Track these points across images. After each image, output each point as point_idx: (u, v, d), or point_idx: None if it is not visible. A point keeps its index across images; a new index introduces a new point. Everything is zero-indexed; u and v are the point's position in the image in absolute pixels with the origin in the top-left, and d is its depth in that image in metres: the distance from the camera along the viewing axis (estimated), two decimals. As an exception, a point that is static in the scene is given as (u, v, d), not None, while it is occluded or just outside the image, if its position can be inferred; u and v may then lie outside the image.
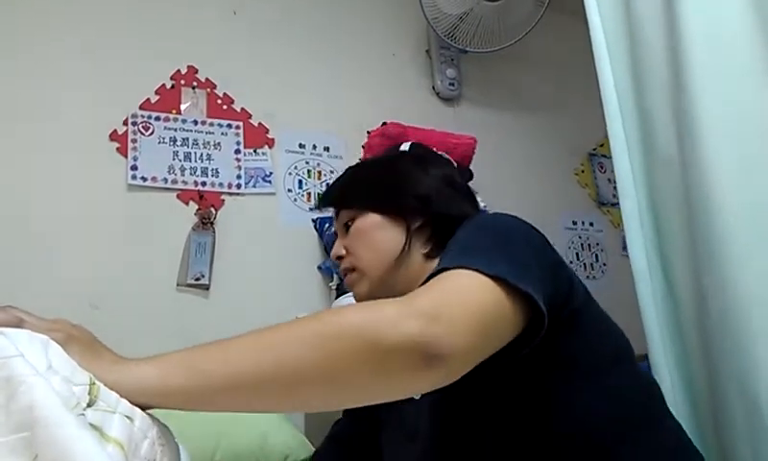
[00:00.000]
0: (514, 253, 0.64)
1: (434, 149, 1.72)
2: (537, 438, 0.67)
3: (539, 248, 0.69)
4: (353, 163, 1.94)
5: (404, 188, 0.90)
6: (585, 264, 2.32)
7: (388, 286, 0.85)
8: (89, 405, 0.45)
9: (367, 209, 0.90)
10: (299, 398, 0.54)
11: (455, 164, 1.72)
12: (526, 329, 0.61)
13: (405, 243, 0.86)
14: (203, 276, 1.68)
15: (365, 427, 0.97)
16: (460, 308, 0.55)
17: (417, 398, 0.82)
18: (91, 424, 0.43)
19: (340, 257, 0.92)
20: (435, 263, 0.85)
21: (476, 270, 0.59)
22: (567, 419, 0.67)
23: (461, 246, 0.67)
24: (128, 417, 0.47)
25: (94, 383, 0.47)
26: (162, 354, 0.54)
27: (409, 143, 1.71)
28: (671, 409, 0.77)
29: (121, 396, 0.49)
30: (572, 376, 0.69)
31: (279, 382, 0.52)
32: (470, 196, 0.97)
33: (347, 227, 0.92)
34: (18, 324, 0.51)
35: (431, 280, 0.60)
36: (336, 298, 1.71)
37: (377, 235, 0.88)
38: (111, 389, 0.48)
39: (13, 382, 0.40)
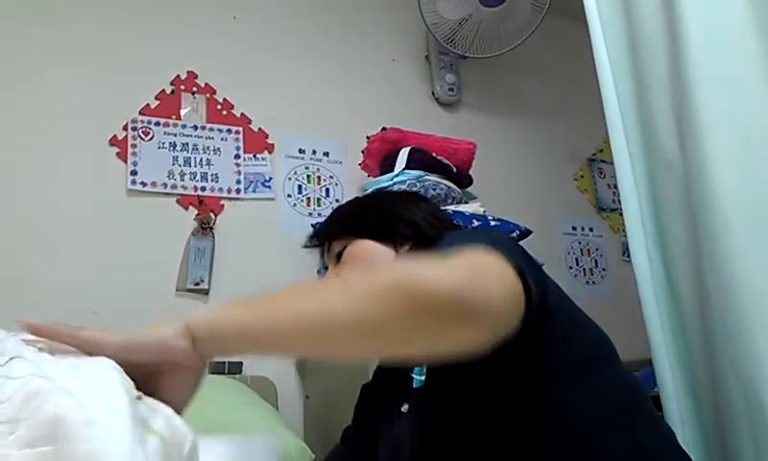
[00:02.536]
0: (512, 252, 0.64)
1: (433, 154, 1.72)
2: (515, 445, 0.67)
3: (522, 251, 0.70)
4: (353, 168, 1.96)
5: (394, 215, 0.93)
6: (584, 269, 2.32)
7: None
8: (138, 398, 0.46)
9: (358, 236, 0.92)
10: (338, 344, 0.55)
11: (455, 169, 1.73)
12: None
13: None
14: (202, 280, 1.68)
15: (372, 433, 0.96)
16: (493, 276, 0.56)
17: (404, 411, 0.82)
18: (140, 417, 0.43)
19: None
20: None
21: (498, 252, 0.59)
22: (545, 422, 0.67)
23: (463, 242, 0.66)
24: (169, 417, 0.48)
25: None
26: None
27: (408, 148, 1.71)
28: (674, 409, 0.77)
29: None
30: (548, 379, 0.69)
31: (320, 331, 0.53)
32: (456, 228, 0.98)
33: (339, 256, 0.94)
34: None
35: (454, 251, 0.59)
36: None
37: (368, 259, 0.89)
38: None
39: (38, 398, 0.41)
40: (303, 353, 0.57)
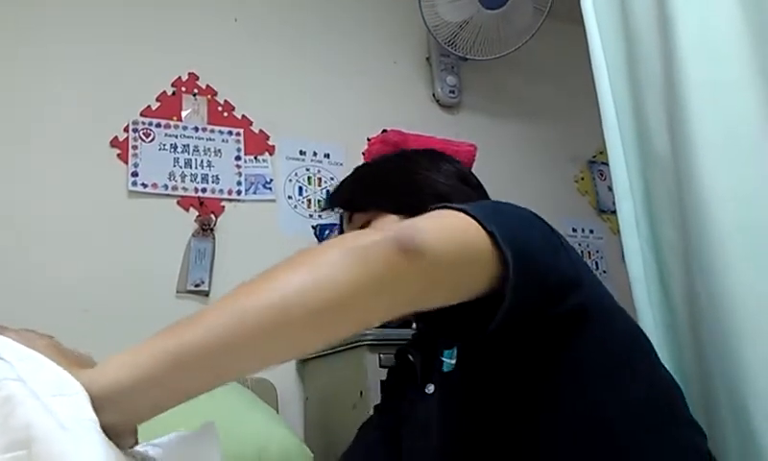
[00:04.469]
0: (513, 222, 0.63)
1: (434, 156, 1.72)
2: (544, 438, 0.66)
3: (542, 232, 0.67)
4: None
5: (422, 188, 0.87)
6: (585, 271, 2.32)
7: None
8: None
9: (385, 211, 0.86)
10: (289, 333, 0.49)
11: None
12: (493, 299, 0.58)
13: None
14: (202, 282, 1.68)
15: (392, 422, 0.95)
16: (436, 224, 0.55)
17: (429, 392, 0.81)
18: None
19: None
20: None
21: (467, 213, 0.58)
22: (576, 419, 0.65)
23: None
24: None
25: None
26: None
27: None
28: None
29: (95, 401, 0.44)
30: (582, 375, 0.67)
31: (263, 325, 0.48)
32: (482, 190, 0.95)
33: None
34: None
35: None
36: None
37: None
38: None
39: (11, 403, 0.40)
40: (261, 359, 0.50)
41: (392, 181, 0.91)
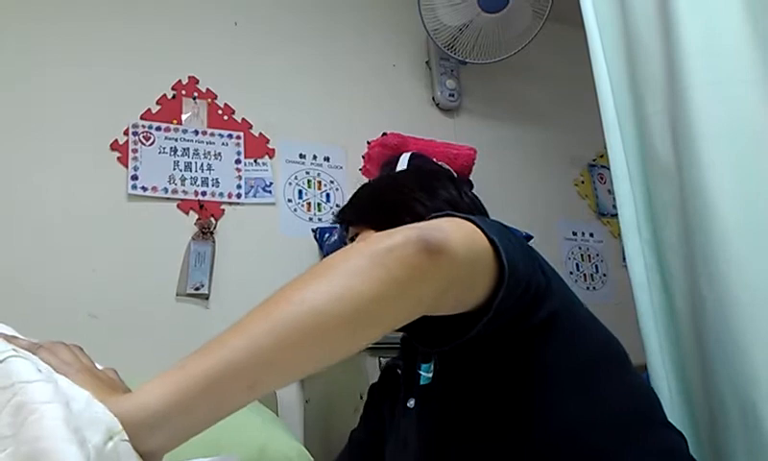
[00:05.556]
0: (500, 231, 0.64)
1: (434, 159, 1.72)
2: (518, 447, 0.67)
3: (521, 242, 0.69)
4: (353, 173, 1.96)
5: (402, 208, 0.91)
6: (585, 275, 2.32)
7: None
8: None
9: (367, 226, 0.93)
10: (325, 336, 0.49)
11: (455, 175, 1.73)
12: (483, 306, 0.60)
13: None
14: (202, 285, 1.68)
15: (378, 434, 0.96)
16: (450, 225, 0.57)
17: (410, 406, 0.82)
18: None
19: None
20: None
21: (469, 220, 0.60)
22: (549, 427, 0.66)
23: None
24: None
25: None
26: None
27: (409, 153, 1.71)
28: (670, 417, 0.77)
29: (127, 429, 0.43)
30: (553, 383, 0.68)
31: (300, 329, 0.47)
32: (479, 213, 0.98)
33: (352, 241, 0.95)
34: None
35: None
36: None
37: None
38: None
39: (25, 410, 0.39)
40: (289, 371, 0.50)
41: (377, 200, 0.98)
